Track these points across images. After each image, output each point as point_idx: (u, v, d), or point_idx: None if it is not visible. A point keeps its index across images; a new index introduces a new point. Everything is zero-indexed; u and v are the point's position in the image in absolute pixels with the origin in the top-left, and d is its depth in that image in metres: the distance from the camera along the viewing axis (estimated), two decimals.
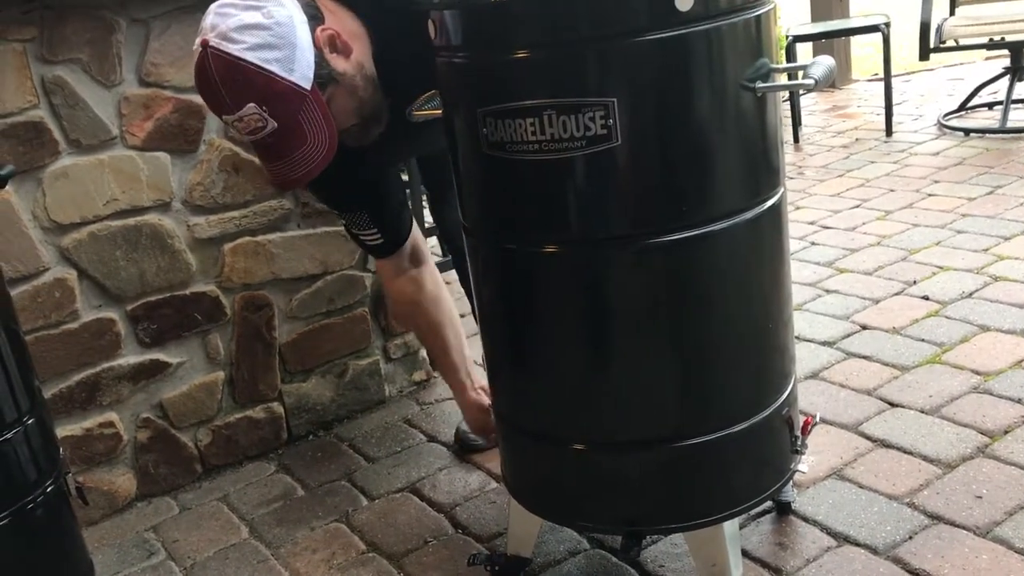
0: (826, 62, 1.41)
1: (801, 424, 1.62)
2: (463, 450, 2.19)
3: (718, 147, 1.34)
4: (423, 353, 2.57)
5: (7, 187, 1.88)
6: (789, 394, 1.56)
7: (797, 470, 1.60)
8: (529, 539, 1.72)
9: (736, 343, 1.45)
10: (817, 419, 1.67)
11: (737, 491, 1.51)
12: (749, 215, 1.39)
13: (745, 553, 1.68)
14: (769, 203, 1.43)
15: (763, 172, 1.42)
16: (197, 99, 2.08)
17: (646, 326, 1.40)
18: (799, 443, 1.59)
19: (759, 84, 1.34)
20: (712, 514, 1.50)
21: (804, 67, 1.40)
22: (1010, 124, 4.11)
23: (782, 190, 1.48)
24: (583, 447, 1.50)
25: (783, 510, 1.78)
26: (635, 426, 1.45)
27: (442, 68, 1.43)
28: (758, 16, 1.34)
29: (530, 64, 1.30)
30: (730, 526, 1.55)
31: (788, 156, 4.25)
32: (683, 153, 1.32)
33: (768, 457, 1.54)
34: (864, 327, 2.50)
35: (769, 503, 1.75)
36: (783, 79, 1.40)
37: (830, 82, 1.45)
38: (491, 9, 1.31)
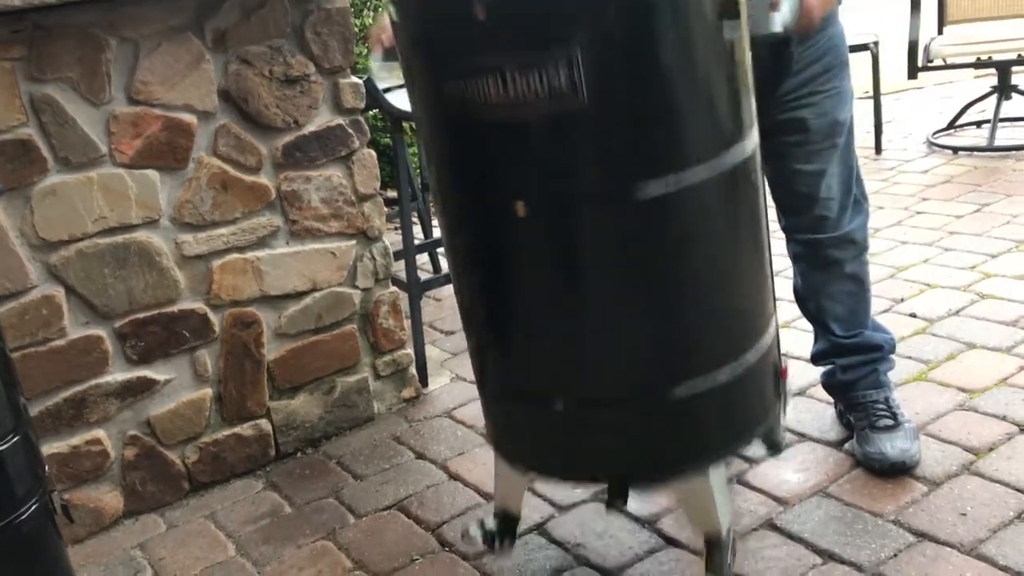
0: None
1: (781, 370, 1.61)
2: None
3: (689, 97, 1.33)
4: (412, 369, 2.58)
5: None
6: (770, 340, 1.54)
7: (782, 414, 1.59)
8: (517, 496, 1.71)
9: (712, 290, 1.44)
10: (785, 364, 1.65)
11: (720, 438, 1.50)
12: (725, 162, 1.37)
13: None
14: (742, 150, 1.40)
15: (732, 121, 1.40)
16: (186, 117, 2.11)
17: (620, 280, 1.40)
18: (782, 387, 1.57)
19: (725, 23, 1.32)
20: (697, 462, 1.49)
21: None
22: (998, 143, 4.14)
23: (755, 137, 1.45)
24: (564, 402, 1.48)
25: (774, 448, 1.70)
26: (615, 378, 1.45)
27: (401, 33, 1.43)
28: None
29: (489, 19, 1.26)
30: (717, 476, 1.52)
31: None
32: (652, 102, 1.31)
33: (751, 403, 1.53)
34: None
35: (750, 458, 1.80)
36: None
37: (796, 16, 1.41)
38: None
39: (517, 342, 1.54)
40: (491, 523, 1.74)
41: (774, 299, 1.58)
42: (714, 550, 1.54)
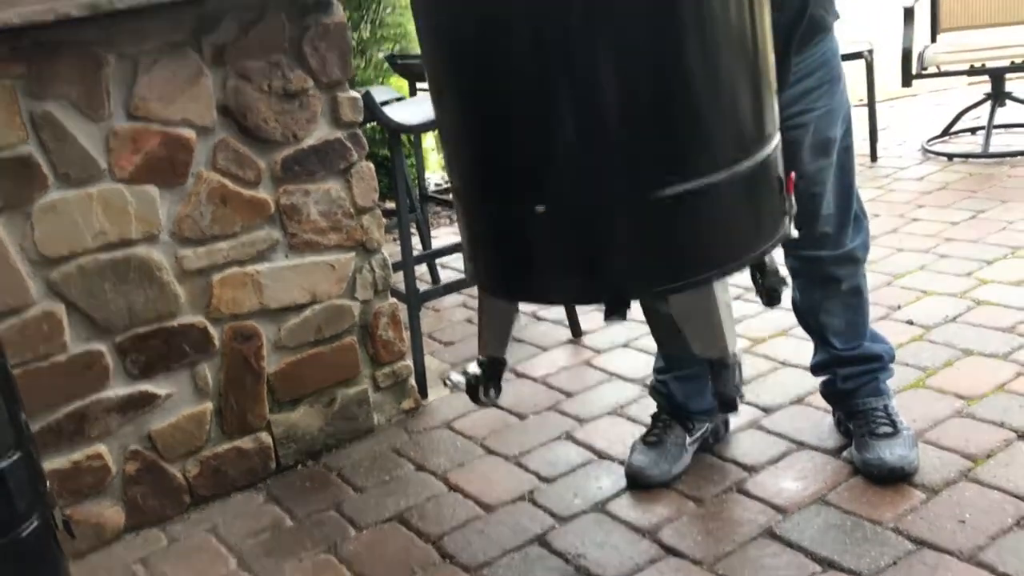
0: None
1: (785, 183, 1.47)
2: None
3: None
4: (412, 381, 2.58)
5: None
6: (775, 147, 1.42)
7: (788, 234, 1.46)
8: (504, 336, 1.59)
9: (715, 79, 1.32)
10: (791, 174, 1.50)
11: (725, 247, 1.37)
12: None
13: None
14: None
15: None
16: (185, 132, 2.12)
17: (611, 64, 1.27)
18: (788, 202, 1.46)
19: None
20: (695, 274, 1.35)
21: None
22: (992, 149, 4.16)
23: None
24: (548, 208, 1.34)
25: (773, 300, 1.50)
26: (598, 178, 1.32)
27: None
28: None
29: None
30: (722, 293, 1.40)
31: None
32: None
33: (757, 211, 1.41)
34: None
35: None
36: None
37: None
38: None
39: (496, 143, 1.38)
40: (475, 368, 1.61)
41: (776, 111, 1.45)
42: (721, 371, 1.43)
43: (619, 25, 1.25)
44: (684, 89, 1.30)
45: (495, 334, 1.61)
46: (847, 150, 1.89)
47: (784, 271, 1.48)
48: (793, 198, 1.47)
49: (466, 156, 1.47)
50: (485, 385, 1.61)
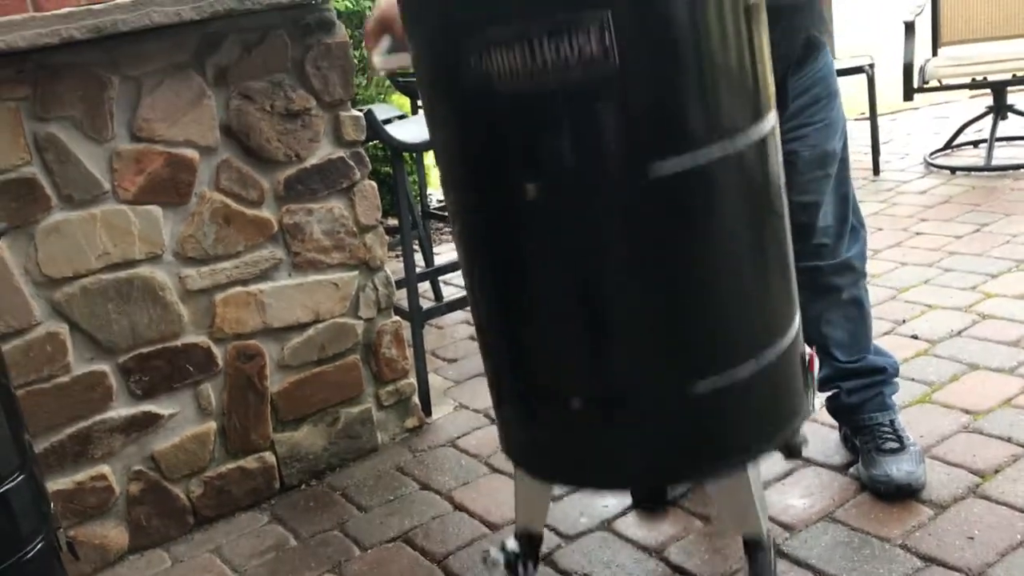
0: None
1: (807, 360, 1.55)
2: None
3: (720, 64, 1.28)
4: (415, 399, 2.58)
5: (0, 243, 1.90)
6: (795, 332, 1.49)
7: (811, 407, 1.53)
8: (540, 513, 1.63)
9: (738, 279, 1.38)
10: (812, 353, 1.59)
11: (757, 431, 1.44)
12: (749, 139, 1.33)
13: None
14: (765, 128, 1.37)
15: (758, 94, 1.36)
16: (188, 152, 2.13)
17: (643, 266, 1.33)
18: (809, 379, 1.52)
19: None
20: (727, 462, 1.42)
21: None
22: (995, 162, 4.16)
23: (775, 114, 1.42)
24: (580, 400, 1.41)
25: (793, 452, 1.62)
26: (631, 374, 1.38)
27: (415, 17, 1.37)
28: None
29: None
30: (754, 474, 1.47)
31: None
32: (685, 72, 1.27)
33: (782, 398, 1.47)
34: None
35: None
36: None
37: None
38: None
39: (529, 336, 1.45)
40: (513, 545, 1.65)
41: (796, 292, 1.53)
42: (756, 552, 1.49)
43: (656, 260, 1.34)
44: (713, 298, 1.38)
45: (531, 508, 1.64)
46: (844, 162, 1.92)
47: (804, 429, 1.56)
48: (815, 373, 1.55)
49: (500, 355, 1.53)
50: (524, 561, 1.64)
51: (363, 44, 1.71)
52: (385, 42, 1.60)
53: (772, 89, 1.40)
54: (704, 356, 1.38)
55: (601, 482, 1.55)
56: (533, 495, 1.61)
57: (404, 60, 1.50)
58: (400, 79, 3.95)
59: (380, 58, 1.57)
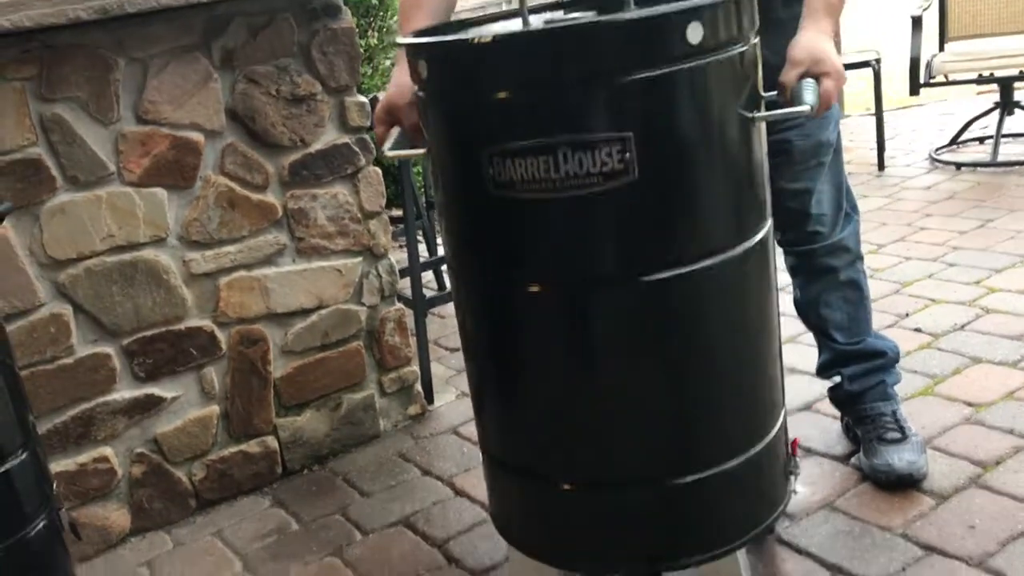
0: (810, 85, 1.43)
1: (791, 445, 1.62)
2: None
3: (721, 178, 1.35)
4: (418, 386, 2.58)
5: (4, 223, 1.90)
6: (781, 424, 1.56)
7: (793, 491, 1.59)
8: None
9: (729, 378, 1.44)
10: (795, 438, 1.67)
11: (741, 521, 1.49)
12: (747, 245, 1.39)
13: None
14: (761, 235, 1.44)
15: (757, 204, 1.43)
16: (194, 136, 2.13)
17: (638, 364, 1.39)
18: (792, 465, 1.59)
19: (756, 113, 1.35)
20: (724, 544, 1.47)
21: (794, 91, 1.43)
22: (1001, 158, 4.15)
23: (770, 223, 1.50)
24: (576, 486, 1.47)
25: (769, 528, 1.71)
26: (629, 464, 1.44)
27: (436, 109, 1.42)
28: (743, 52, 1.36)
29: (541, 100, 1.28)
30: (742, 555, 1.53)
31: None
32: (694, 186, 1.33)
33: (766, 486, 1.53)
34: None
35: None
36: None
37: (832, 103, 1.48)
38: (493, 47, 1.28)
39: (523, 419, 1.52)
40: None
41: (783, 386, 1.59)
42: None
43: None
44: (702, 395, 1.43)
45: None
46: (837, 152, 1.94)
47: (796, 461, 1.62)
48: (798, 459, 1.62)
49: (495, 434, 1.59)
50: None
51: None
52: (394, 134, 1.63)
53: (768, 200, 1.47)
54: (692, 451, 1.44)
55: (589, 566, 1.60)
56: (525, 570, 1.63)
57: (415, 151, 1.55)
58: None
59: (391, 150, 1.60)
